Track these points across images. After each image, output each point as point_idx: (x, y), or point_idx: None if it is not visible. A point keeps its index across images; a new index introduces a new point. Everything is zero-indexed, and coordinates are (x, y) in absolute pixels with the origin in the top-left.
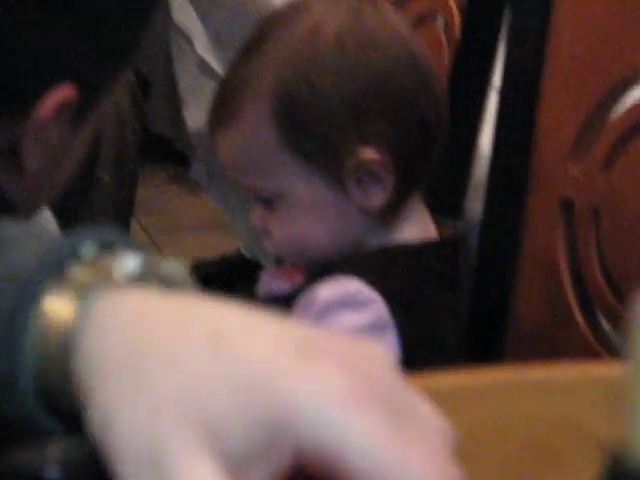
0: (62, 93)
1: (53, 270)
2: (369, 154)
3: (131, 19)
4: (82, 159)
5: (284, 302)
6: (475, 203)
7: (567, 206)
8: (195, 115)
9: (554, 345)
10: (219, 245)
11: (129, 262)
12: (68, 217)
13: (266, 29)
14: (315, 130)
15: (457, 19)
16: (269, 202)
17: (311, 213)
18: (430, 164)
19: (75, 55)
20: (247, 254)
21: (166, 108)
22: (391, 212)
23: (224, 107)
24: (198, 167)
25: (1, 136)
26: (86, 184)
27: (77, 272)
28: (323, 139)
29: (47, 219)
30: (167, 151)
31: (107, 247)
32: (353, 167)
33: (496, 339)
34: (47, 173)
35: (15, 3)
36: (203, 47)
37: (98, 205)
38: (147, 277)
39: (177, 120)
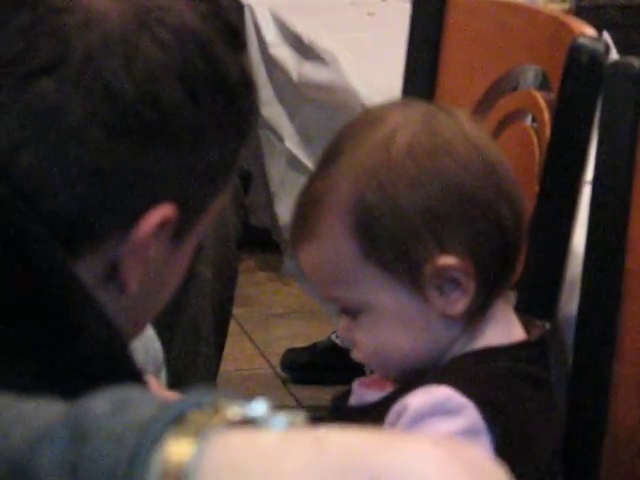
0: (162, 213)
1: (175, 415)
2: (448, 260)
3: (229, 138)
4: (184, 275)
5: (375, 410)
6: (570, 301)
7: None
8: (287, 209)
9: None
10: (309, 332)
11: (246, 409)
12: (167, 313)
13: (341, 140)
14: (392, 239)
15: (547, 116)
16: (353, 313)
17: (394, 322)
18: (512, 267)
19: (174, 176)
20: (339, 342)
21: (263, 200)
22: (475, 317)
23: (303, 222)
24: (291, 263)
25: (102, 256)
26: (186, 280)
27: (197, 416)
28: (401, 248)
29: (150, 338)
30: (255, 239)
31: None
32: (432, 274)
33: (593, 438)
34: (149, 292)
35: (114, 129)
36: (292, 142)
37: (198, 301)
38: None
39: (273, 212)
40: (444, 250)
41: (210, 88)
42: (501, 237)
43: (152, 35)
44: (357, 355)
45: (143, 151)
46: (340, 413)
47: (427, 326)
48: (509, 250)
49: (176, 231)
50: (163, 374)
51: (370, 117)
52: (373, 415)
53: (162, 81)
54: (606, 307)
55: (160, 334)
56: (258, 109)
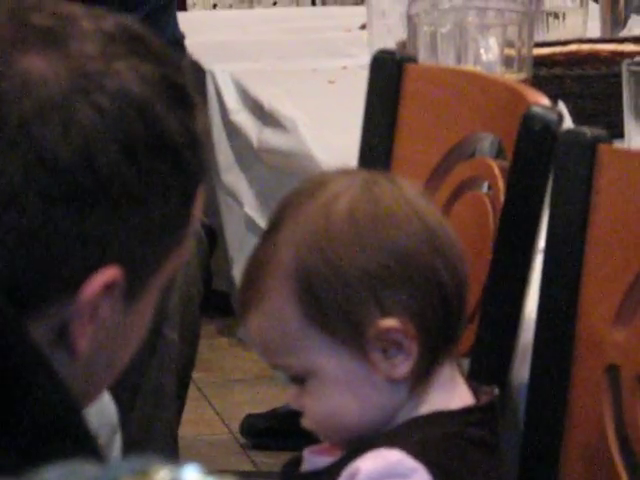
0: (106, 276)
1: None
2: (389, 323)
3: (174, 198)
4: (143, 336)
5: (326, 475)
6: (523, 368)
7: (612, 372)
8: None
9: None
10: (269, 398)
11: (175, 473)
12: (131, 376)
13: (284, 208)
14: (334, 303)
15: (501, 184)
16: (301, 380)
17: (340, 387)
18: (455, 330)
19: (116, 239)
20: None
21: (222, 264)
22: (420, 380)
23: (248, 288)
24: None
25: (49, 320)
26: (152, 343)
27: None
28: (343, 312)
29: (105, 400)
30: (215, 303)
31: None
32: (375, 337)
33: None
34: (105, 354)
35: (50, 196)
36: (251, 207)
37: (163, 364)
38: None
39: (231, 277)
40: (385, 313)
41: (150, 151)
42: (442, 300)
43: (89, 100)
44: (306, 422)
45: (82, 217)
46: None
47: (372, 390)
48: (451, 313)
49: (128, 292)
50: (118, 437)
51: (312, 185)
52: None
53: (99, 147)
54: (557, 374)
55: (120, 397)
56: (206, 167)
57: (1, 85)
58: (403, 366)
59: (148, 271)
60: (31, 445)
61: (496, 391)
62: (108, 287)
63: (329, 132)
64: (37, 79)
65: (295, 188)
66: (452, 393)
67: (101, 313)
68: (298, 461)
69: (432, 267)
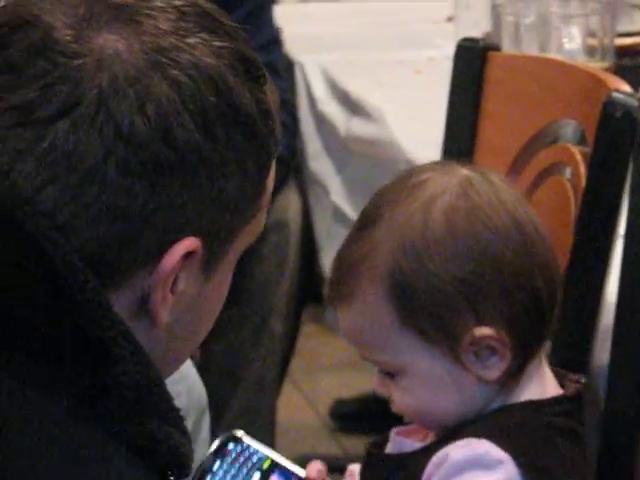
0: (185, 246)
1: None
2: (484, 331)
3: (249, 167)
4: (219, 309)
5: (413, 460)
6: (603, 351)
7: None
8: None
9: None
10: (357, 384)
11: None
12: (233, 364)
13: (380, 204)
14: (429, 309)
15: (583, 169)
16: (390, 374)
17: (430, 386)
18: (546, 332)
19: (194, 210)
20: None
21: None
22: (511, 378)
23: (341, 284)
24: (333, 315)
25: (130, 291)
26: (258, 334)
27: None
28: (437, 318)
29: (193, 381)
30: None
31: None
32: (469, 343)
33: None
34: (184, 324)
35: (129, 168)
36: (338, 195)
37: (267, 356)
38: None
39: (319, 265)
40: (481, 321)
41: (225, 122)
42: (536, 306)
43: (163, 74)
44: (394, 408)
45: (160, 188)
46: (376, 461)
47: (462, 389)
48: (544, 317)
49: (205, 262)
50: (206, 417)
51: (408, 182)
52: (411, 465)
53: (175, 119)
54: (637, 356)
55: (222, 385)
56: (278, 139)
57: (79, 64)
58: (495, 369)
59: (225, 242)
60: (115, 418)
61: (583, 380)
62: (187, 258)
63: (415, 121)
64: (112, 56)
65: (390, 183)
66: (540, 384)
67: (180, 283)
68: (384, 442)
69: (527, 274)
